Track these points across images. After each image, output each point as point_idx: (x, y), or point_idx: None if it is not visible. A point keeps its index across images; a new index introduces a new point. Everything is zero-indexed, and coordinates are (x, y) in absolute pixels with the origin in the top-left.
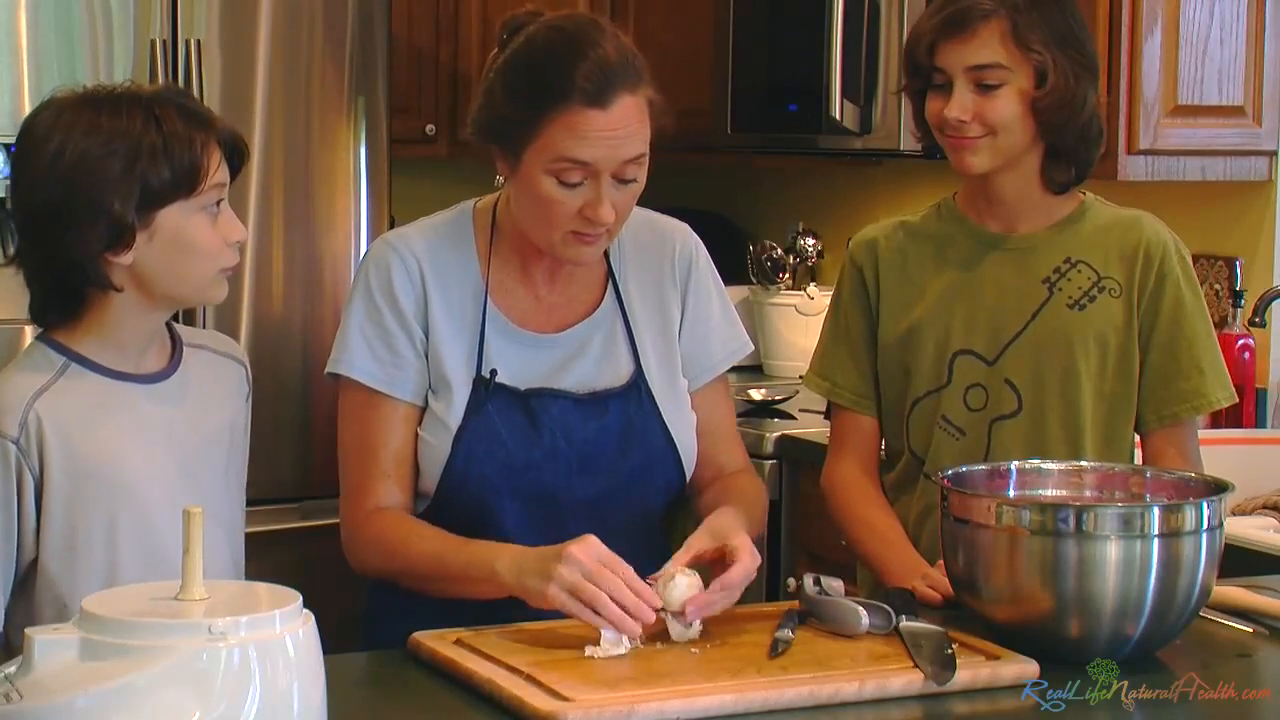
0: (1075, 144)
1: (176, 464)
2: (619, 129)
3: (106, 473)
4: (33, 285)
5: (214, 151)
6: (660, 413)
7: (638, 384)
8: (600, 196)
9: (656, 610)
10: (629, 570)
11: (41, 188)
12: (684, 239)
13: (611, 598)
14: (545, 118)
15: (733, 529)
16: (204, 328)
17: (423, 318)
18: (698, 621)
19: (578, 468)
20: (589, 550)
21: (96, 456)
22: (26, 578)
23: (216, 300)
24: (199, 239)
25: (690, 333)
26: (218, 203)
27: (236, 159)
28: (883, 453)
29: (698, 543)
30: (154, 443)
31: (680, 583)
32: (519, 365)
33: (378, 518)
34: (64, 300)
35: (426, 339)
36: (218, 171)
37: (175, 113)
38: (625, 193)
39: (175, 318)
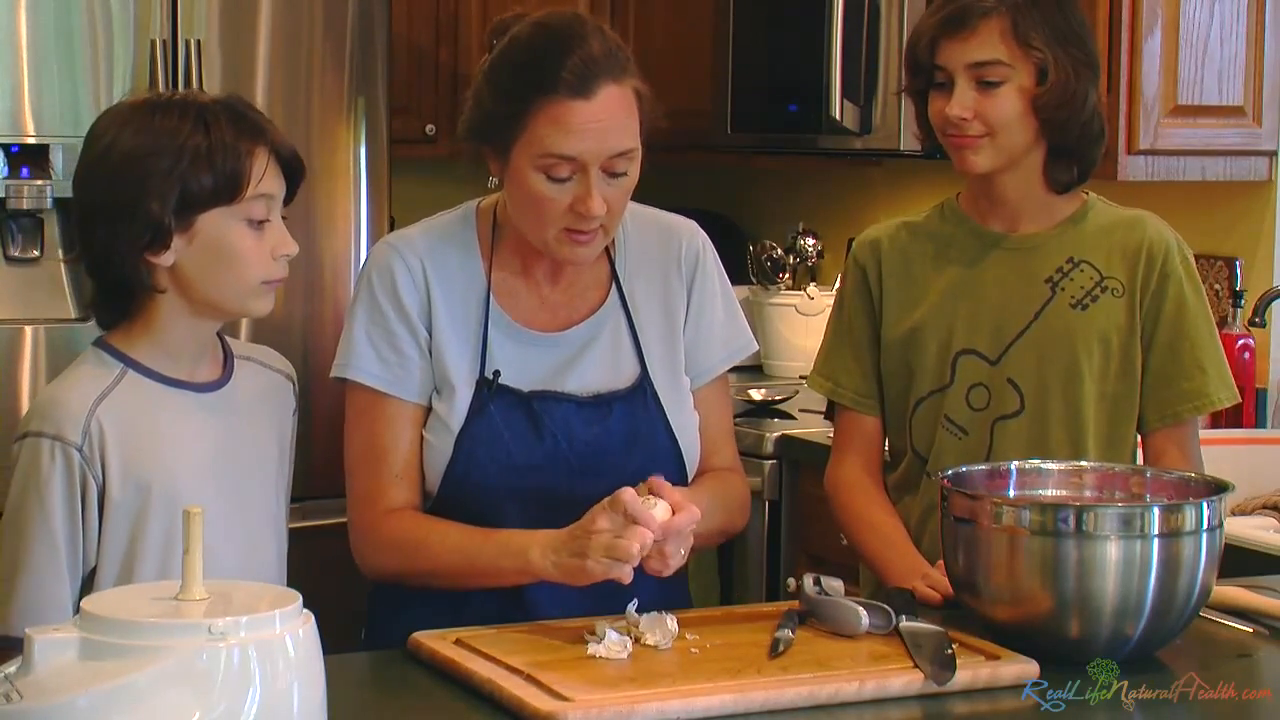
0: (1077, 142)
1: (228, 474)
2: (604, 120)
3: (164, 481)
4: (91, 282)
5: (261, 162)
6: (665, 414)
7: (643, 385)
8: (589, 190)
9: (637, 633)
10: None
11: (91, 183)
12: (691, 236)
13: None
14: (530, 112)
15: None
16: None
17: (426, 317)
18: (674, 623)
19: (579, 470)
20: (602, 516)
21: (154, 464)
22: (87, 586)
23: (259, 312)
24: (239, 247)
25: (694, 330)
26: (267, 213)
27: (293, 173)
28: (886, 453)
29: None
30: (208, 452)
31: (660, 507)
32: (522, 365)
33: (392, 519)
34: (115, 299)
35: (430, 338)
36: (264, 182)
37: (226, 120)
38: (616, 187)
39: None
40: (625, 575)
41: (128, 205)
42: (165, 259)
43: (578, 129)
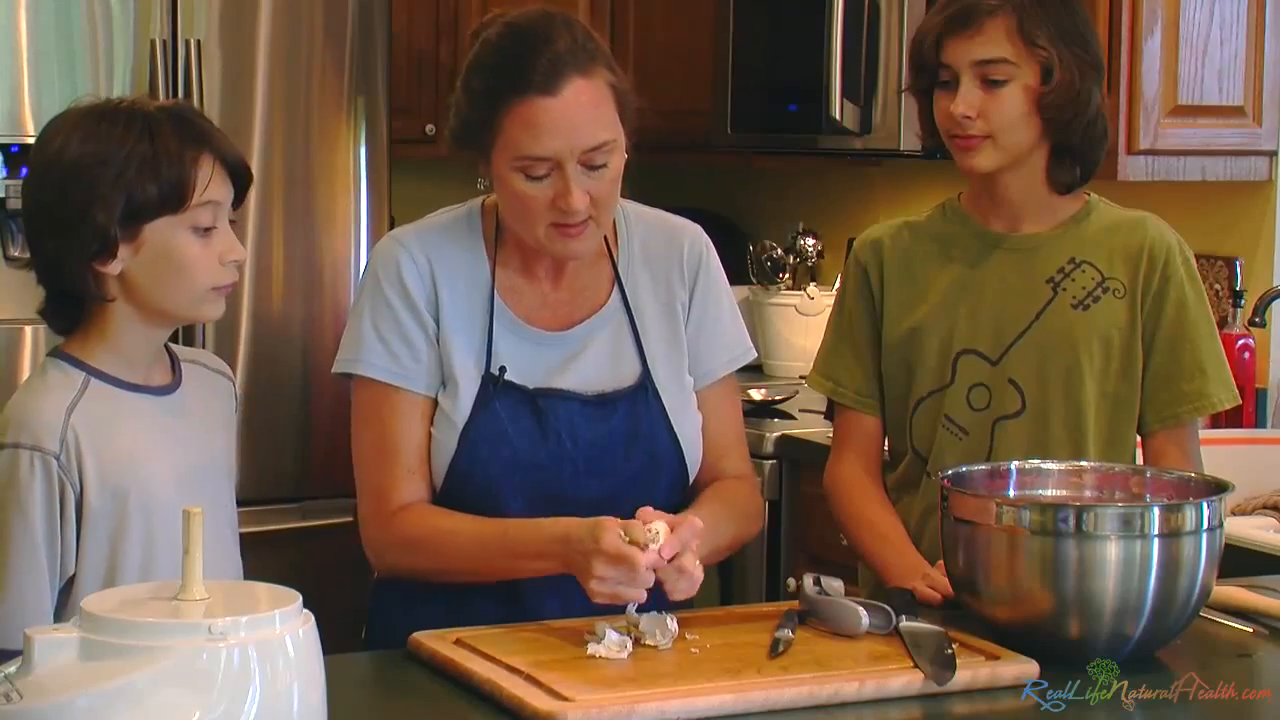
0: (1080, 143)
1: (193, 476)
2: (572, 114)
3: (139, 486)
4: (42, 287)
5: (206, 169)
6: (667, 413)
7: (645, 384)
8: (568, 187)
9: (637, 633)
10: (646, 561)
11: (39, 189)
12: (694, 239)
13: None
14: (501, 114)
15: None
16: (203, 329)
17: (434, 309)
18: (674, 623)
19: (584, 469)
20: (611, 553)
21: (128, 470)
22: (63, 594)
23: (210, 318)
24: (186, 255)
25: (696, 332)
26: (214, 220)
27: (240, 180)
28: (886, 453)
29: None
30: (173, 455)
31: (660, 528)
32: (525, 362)
33: (405, 516)
34: (66, 306)
35: (438, 329)
36: (210, 189)
37: (171, 128)
38: (599, 179)
39: (176, 334)
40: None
41: (74, 215)
42: (113, 268)
43: (547, 127)
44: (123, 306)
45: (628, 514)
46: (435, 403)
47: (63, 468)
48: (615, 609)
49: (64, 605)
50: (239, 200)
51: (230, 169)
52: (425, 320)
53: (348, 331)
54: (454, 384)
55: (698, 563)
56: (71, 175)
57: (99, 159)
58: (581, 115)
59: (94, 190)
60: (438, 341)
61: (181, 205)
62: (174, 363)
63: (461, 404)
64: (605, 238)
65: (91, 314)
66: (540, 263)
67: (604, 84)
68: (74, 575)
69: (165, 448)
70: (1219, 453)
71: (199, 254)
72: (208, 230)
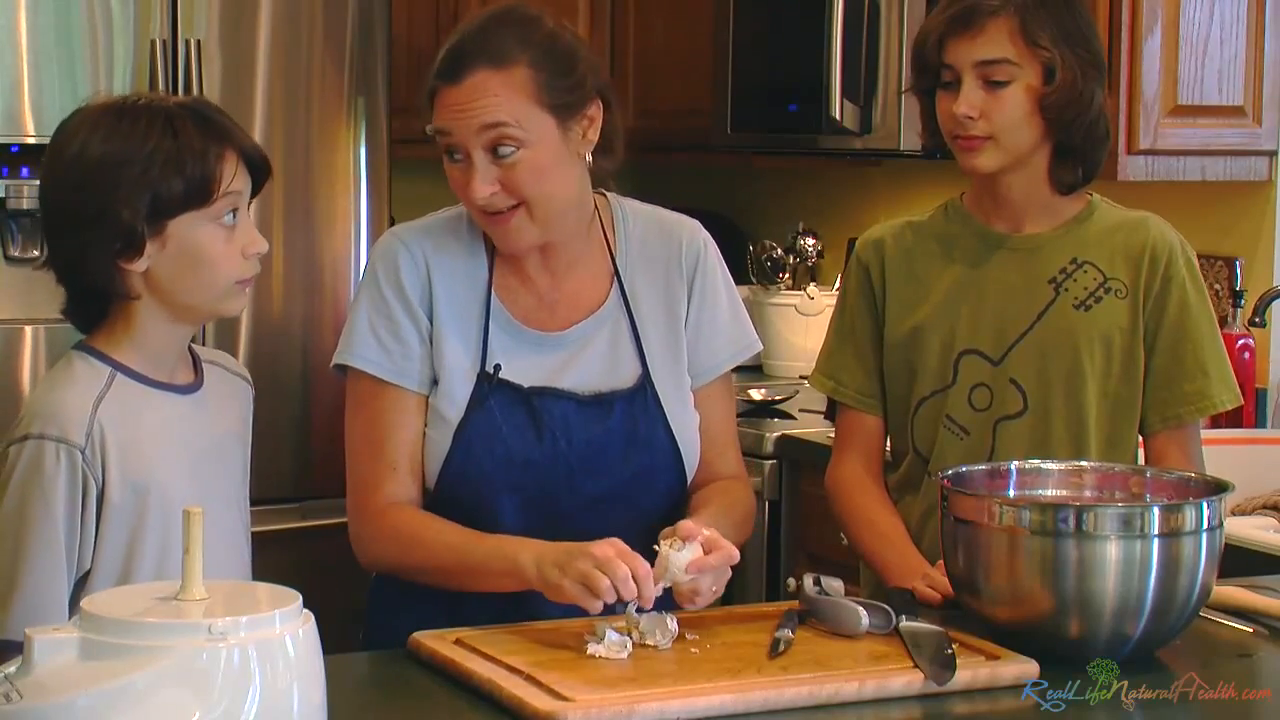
0: (1082, 143)
1: (214, 476)
2: (468, 101)
3: (160, 484)
4: (63, 286)
5: (229, 163)
6: (666, 416)
7: (644, 386)
8: (471, 174)
9: (637, 633)
10: (641, 565)
11: (59, 190)
12: (692, 234)
13: (614, 585)
14: (430, 99)
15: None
16: (204, 329)
17: (428, 305)
18: (674, 623)
19: (578, 469)
20: (608, 545)
21: (150, 467)
22: (77, 590)
23: (234, 312)
24: (212, 250)
25: (695, 330)
26: (234, 212)
27: (259, 172)
28: (887, 453)
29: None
30: (194, 454)
31: (688, 549)
32: (522, 362)
33: (393, 512)
34: (89, 304)
35: (431, 327)
36: (233, 182)
37: (192, 124)
38: (508, 169)
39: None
40: (594, 607)
41: (99, 214)
42: (139, 265)
43: (446, 109)
44: (148, 303)
45: (624, 514)
46: (428, 400)
47: (87, 461)
48: (616, 608)
49: (76, 602)
50: (256, 192)
51: (250, 162)
52: (419, 317)
53: (345, 325)
54: (448, 383)
55: (714, 589)
56: (95, 174)
57: (122, 157)
58: (479, 102)
59: (118, 189)
60: (431, 339)
61: (207, 200)
62: (196, 362)
63: (456, 402)
64: (605, 235)
65: (115, 311)
66: (530, 261)
67: (523, 78)
68: (88, 572)
69: (186, 447)
70: (1219, 453)
71: (223, 248)
72: (230, 224)
